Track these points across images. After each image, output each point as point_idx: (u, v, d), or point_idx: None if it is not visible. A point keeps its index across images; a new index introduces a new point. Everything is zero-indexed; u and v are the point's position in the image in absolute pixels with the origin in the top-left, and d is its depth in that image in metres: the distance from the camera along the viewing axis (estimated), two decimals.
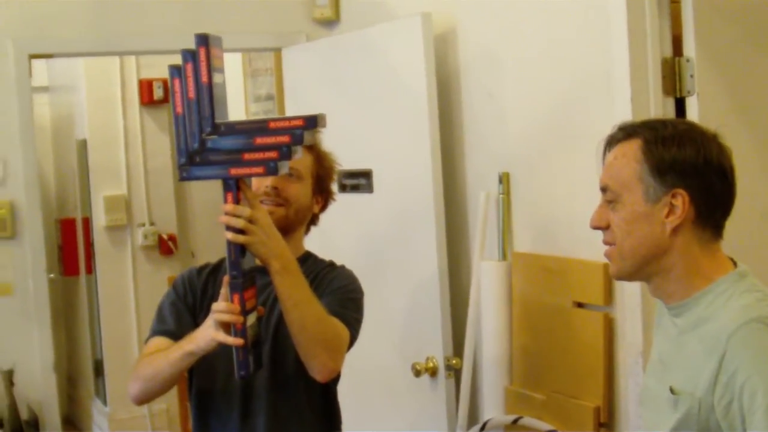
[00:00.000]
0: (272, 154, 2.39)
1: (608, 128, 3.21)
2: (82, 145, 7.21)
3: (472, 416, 3.89)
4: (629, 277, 2.22)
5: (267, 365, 2.79)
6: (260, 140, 2.40)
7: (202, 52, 2.39)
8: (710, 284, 2.10)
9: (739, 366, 1.94)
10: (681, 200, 2.06)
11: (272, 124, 2.41)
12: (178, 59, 2.43)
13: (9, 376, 4.62)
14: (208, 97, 2.40)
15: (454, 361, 3.94)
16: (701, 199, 2.08)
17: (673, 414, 2.06)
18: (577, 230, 3.43)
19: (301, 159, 2.90)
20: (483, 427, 3.71)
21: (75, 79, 7.20)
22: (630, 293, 3.18)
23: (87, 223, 7.29)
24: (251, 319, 2.52)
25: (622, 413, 3.30)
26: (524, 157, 3.69)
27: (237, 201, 2.47)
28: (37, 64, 6.52)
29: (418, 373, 3.98)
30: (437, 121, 3.95)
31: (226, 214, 2.47)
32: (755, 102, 3.32)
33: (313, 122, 2.40)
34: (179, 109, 2.43)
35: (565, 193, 3.51)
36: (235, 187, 2.46)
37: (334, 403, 3.02)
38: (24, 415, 4.58)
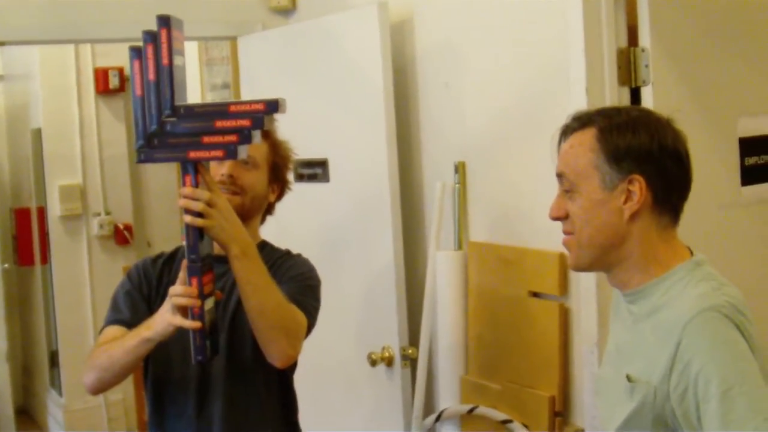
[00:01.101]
0: (232, 138, 2.38)
1: (563, 117, 3.22)
2: (37, 134, 7.16)
3: (428, 406, 3.90)
4: (589, 266, 2.23)
5: (224, 352, 2.78)
6: (220, 123, 2.38)
7: (163, 34, 2.37)
8: (667, 272, 2.12)
9: (694, 354, 1.95)
10: (638, 186, 2.08)
11: (233, 108, 2.39)
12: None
13: None
14: (168, 79, 2.38)
15: (410, 351, 3.93)
16: (658, 183, 2.10)
17: (628, 402, 2.08)
18: (532, 220, 3.44)
19: (257, 147, 2.89)
20: (438, 417, 3.71)
21: (30, 68, 7.14)
22: (585, 283, 3.19)
23: (42, 212, 7.24)
24: (209, 303, 2.51)
25: (576, 402, 3.32)
26: (480, 147, 3.69)
27: (196, 184, 2.46)
28: None
29: (374, 363, 3.98)
30: (393, 110, 3.94)
31: (185, 197, 2.45)
32: (710, 92, 3.33)
33: (273, 106, 2.39)
34: (139, 91, 2.41)
35: (521, 183, 3.51)
36: (193, 171, 2.45)
37: (290, 390, 3.02)
38: None
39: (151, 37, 2.38)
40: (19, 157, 7.78)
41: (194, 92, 5.98)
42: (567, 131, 2.20)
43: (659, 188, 2.10)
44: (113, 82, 7.06)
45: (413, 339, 3.95)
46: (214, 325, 2.57)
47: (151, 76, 2.39)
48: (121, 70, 7.04)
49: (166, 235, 7.16)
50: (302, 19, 4.77)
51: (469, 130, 3.76)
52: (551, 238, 3.34)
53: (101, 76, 7.06)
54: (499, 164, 3.61)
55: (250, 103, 2.39)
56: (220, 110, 2.40)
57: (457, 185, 3.76)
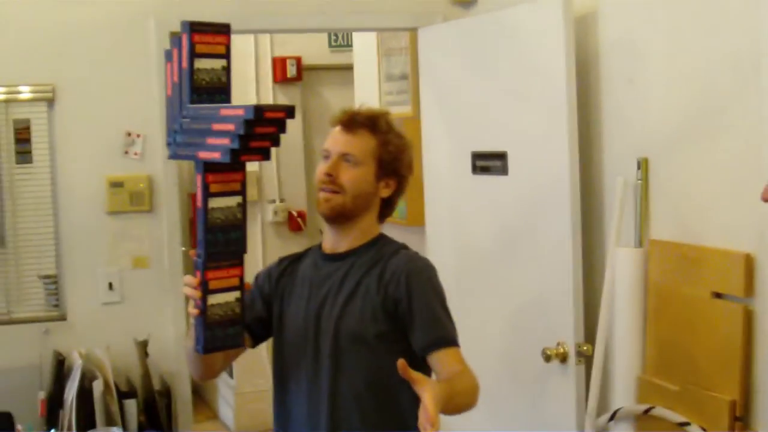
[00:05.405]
0: (225, 141, 2.42)
1: (754, 114, 3.13)
2: None
3: (602, 404, 3.85)
4: None
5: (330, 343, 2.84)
6: (216, 126, 2.44)
7: (183, 39, 2.48)
8: None
9: None
10: None
11: (223, 112, 2.45)
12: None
13: (144, 346, 4.71)
14: (187, 81, 2.49)
15: (585, 348, 3.90)
16: None
17: None
18: (717, 219, 3.37)
19: (359, 143, 2.89)
20: (613, 416, 3.67)
21: None
22: None
23: None
24: (218, 298, 2.58)
25: (759, 407, 3.23)
26: (664, 143, 3.63)
27: (206, 184, 2.50)
28: None
29: (548, 359, 3.95)
30: (575, 104, 3.90)
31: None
32: None
33: (250, 112, 2.37)
34: (169, 91, 2.57)
35: (706, 180, 3.44)
36: (203, 170, 2.49)
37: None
38: (156, 385, 4.66)
39: (177, 41, 2.51)
40: None
41: (371, 82, 6.03)
42: None
43: None
44: (290, 71, 7.18)
45: (589, 336, 3.91)
46: (228, 318, 2.62)
47: (175, 78, 2.54)
48: (298, 60, 7.15)
49: None
50: (483, 12, 4.76)
51: (652, 126, 3.70)
52: (737, 238, 3.27)
53: (279, 65, 7.18)
54: (684, 161, 3.54)
55: (234, 107, 2.43)
56: (214, 114, 2.46)
57: (639, 181, 3.70)
